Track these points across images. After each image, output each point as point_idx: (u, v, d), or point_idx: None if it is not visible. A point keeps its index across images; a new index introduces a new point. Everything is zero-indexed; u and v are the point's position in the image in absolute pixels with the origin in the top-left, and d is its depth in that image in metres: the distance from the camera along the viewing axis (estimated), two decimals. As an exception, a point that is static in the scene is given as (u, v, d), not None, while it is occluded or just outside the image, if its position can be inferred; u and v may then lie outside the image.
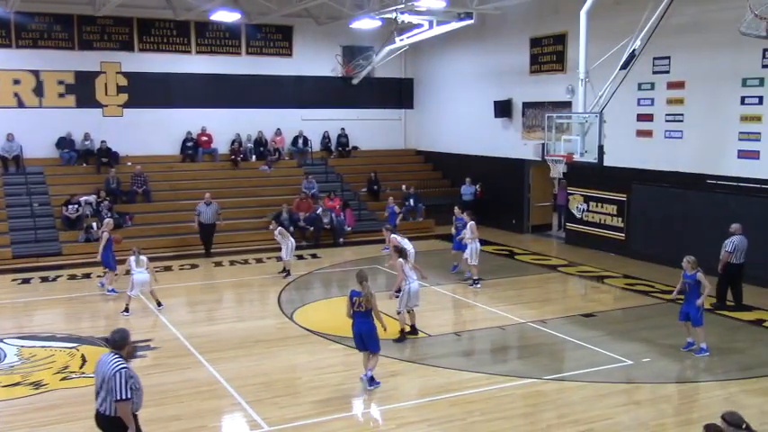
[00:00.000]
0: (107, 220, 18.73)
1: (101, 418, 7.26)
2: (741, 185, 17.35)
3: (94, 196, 22.61)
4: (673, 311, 15.21)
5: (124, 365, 7.15)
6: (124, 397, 7.06)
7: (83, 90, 24.70)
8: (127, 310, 15.37)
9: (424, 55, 28.66)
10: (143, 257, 15.61)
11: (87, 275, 18.94)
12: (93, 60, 24.79)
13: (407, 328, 13.46)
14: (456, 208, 18.83)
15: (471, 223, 17.44)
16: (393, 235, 16.85)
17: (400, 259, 13.34)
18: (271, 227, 19.15)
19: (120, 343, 7.34)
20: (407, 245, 15.39)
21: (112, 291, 17.01)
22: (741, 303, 15.42)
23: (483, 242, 22.95)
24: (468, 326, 14.37)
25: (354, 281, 11.02)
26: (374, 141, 29.34)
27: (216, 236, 22.01)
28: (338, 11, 24.03)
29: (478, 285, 17.26)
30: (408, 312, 13.56)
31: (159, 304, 15.63)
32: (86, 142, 24.64)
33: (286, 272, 18.50)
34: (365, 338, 10.86)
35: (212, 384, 11.13)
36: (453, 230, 18.76)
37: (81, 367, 12.03)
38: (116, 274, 17.14)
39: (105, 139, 24.65)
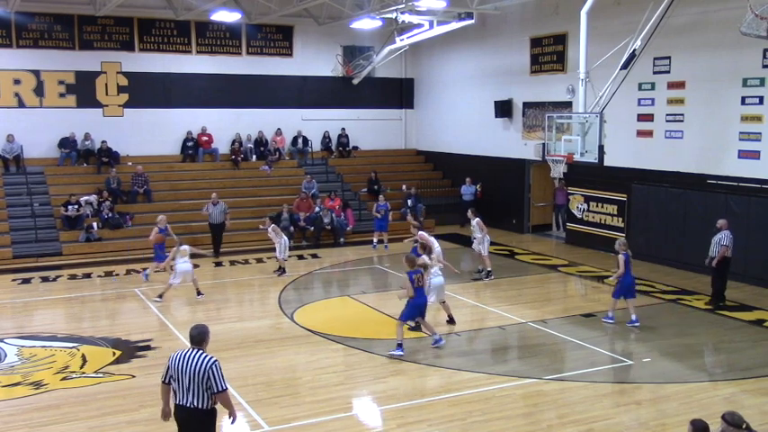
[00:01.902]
0: (161, 216, 18.89)
1: (189, 412, 7.33)
2: (741, 185, 17.34)
3: (95, 196, 22.63)
4: (674, 312, 15.27)
5: (216, 358, 7.39)
6: (225, 387, 7.36)
7: (83, 90, 24.71)
8: (161, 296, 16.11)
9: (425, 55, 28.67)
10: (185, 246, 16.28)
11: (88, 275, 18.95)
12: (94, 60, 24.81)
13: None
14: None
15: (477, 220, 18.08)
16: (421, 232, 16.78)
17: (424, 255, 13.99)
18: (262, 226, 19.13)
19: (200, 338, 7.51)
20: (434, 242, 15.81)
21: (146, 275, 18.08)
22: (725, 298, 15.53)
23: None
24: (469, 326, 14.35)
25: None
26: (374, 141, 29.35)
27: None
28: (338, 11, 24.05)
29: (492, 277, 17.95)
30: (442, 304, 14.27)
31: (199, 293, 16.33)
32: (87, 142, 24.65)
33: (281, 270, 18.53)
34: (423, 309, 12.68)
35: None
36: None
37: (81, 367, 12.04)
38: (158, 267, 17.98)
39: (106, 138, 24.67)
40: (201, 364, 7.25)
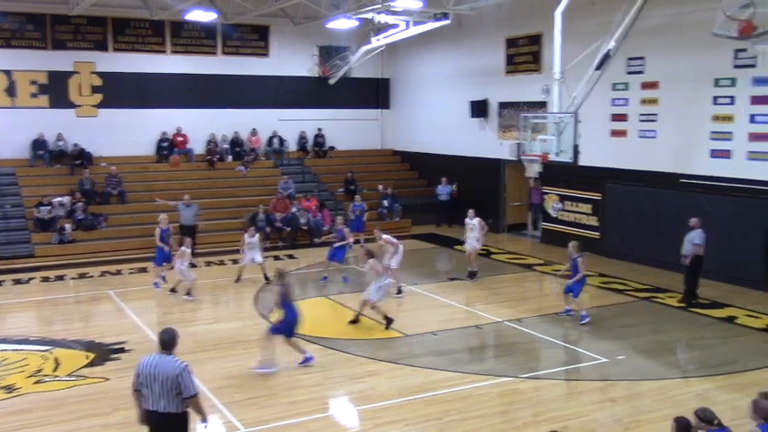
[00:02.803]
0: (163, 215, 18.63)
1: (160, 418, 7.26)
2: (713, 185, 17.56)
3: (68, 197, 22.38)
4: (647, 309, 15.44)
5: (186, 363, 7.30)
6: (195, 392, 7.29)
7: (56, 90, 24.44)
8: (189, 293, 16.50)
9: (401, 55, 28.70)
10: (187, 250, 16.55)
11: (61, 278, 18.75)
12: (67, 60, 24.54)
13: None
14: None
15: (479, 219, 18.03)
16: (385, 235, 16.87)
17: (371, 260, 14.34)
18: (249, 236, 18.17)
19: (170, 342, 7.43)
20: (399, 246, 16.57)
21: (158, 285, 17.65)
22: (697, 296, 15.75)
23: (458, 242, 23.16)
24: (445, 325, 14.38)
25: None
26: (351, 141, 29.34)
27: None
28: (315, 11, 24.00)
29: (478, 277, 18.07)
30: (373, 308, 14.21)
31: (189, 294, 16.40)
32: (60, 143, 24.39)
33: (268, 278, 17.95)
34: (294, 326, 12.30)
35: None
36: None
37: (54, 370, 11.90)
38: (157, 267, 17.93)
39: (79, 139, 24.43)
40: (171, 370, 7.16)
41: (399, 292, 16.48)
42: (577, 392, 10.91)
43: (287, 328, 11.83)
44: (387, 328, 13.79)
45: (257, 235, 18.43)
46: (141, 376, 7.29)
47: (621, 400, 10.63)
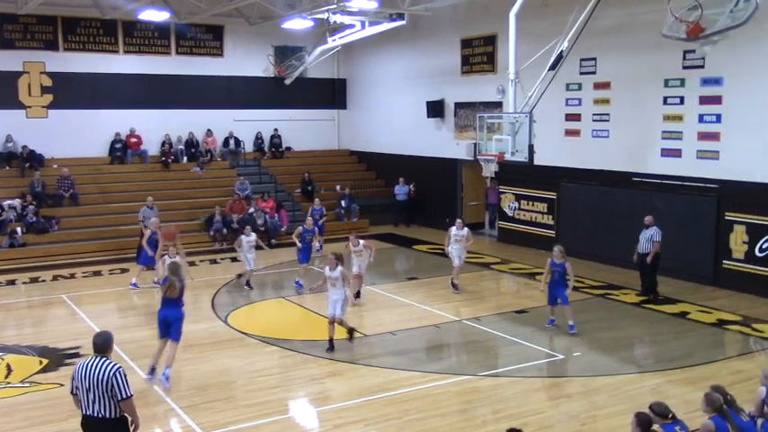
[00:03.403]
0: (153, 219, 18.37)
1: (97, 423, 7.10)
2: (665, 183, 17.92)
3: (19, 200, 21.90)
4: (602, 306, 15.68)
5: (119, 365, 7.16)
6: (130, 394, 7.13)
7: (5, 90, 23.87)
8: (249, 284, 17.18)
9: (357, 55, 28.70)
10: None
11: (12, 282, 18.33)
12: (16, 60, 24.00)
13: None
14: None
15: (467, 229, 17.10)
16: (362, 240, 16.21)
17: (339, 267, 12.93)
18: (245, 235, 17.53)
19: (104, 346, 7.28)
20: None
21: (135, 285, 17.48)
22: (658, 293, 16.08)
23: (417, 242, 23.29)
24: (404, 325, 14.43)
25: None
26: (307, 142, 29.25)
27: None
28: (270, 11, 23.85)
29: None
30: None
31: None
32: (9, 144, 23.84)
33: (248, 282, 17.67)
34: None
35: (145, 391, 10.88)
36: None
37: (6, 377, 11.64)
38: (142, 269, 17.77)
39: (30, 140, 23.88)
40: (105, 372, 7.04)
41: (358, 296, 16.02)
42: (535, 389, 11.05)
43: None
44: (350, 340, 12.96)
45: (254, 234, 17.79)
46: (77, 380, 7.18)
47: (578, 396, 10.79)
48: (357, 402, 10.51)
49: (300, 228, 17.70)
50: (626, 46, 18.55)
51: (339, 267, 12.70)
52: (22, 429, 9.74)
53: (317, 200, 22.87)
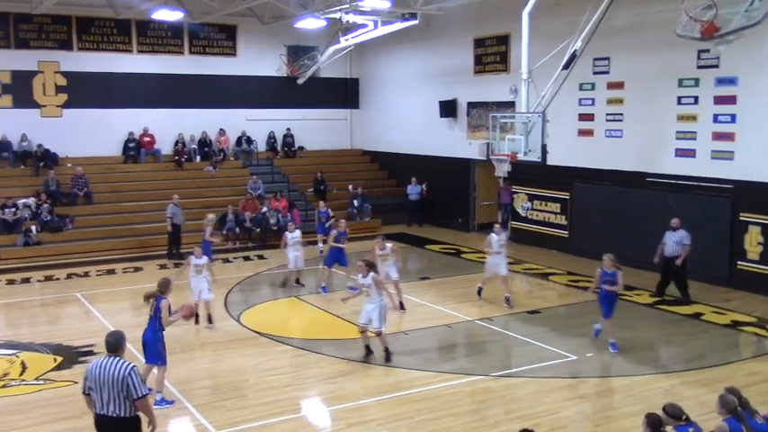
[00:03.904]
0: (211, 216, 18.70)
1: (110, 423, 7.12)
2: (678, 183, 17.82)
3: (33, 199, 22.04)
4: (616, 307, 15.54)
5: (133, 364, 7.18)
6: (144, 393, 7.14)
7: (20, 90, 24.04)
8: (298, 281, 17.20)
9: (370, 55, 28.70)
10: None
11: (26, 280, 18.45)
12: (31, 59, 24.15)
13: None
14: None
15: (505, 234, 16.19)
16: (389, 243, 15.57)
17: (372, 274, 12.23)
18: (289, 232, 17.39)
19: (117, 345, 7.30)
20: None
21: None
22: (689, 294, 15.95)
23: (429, 241, 23.27)
24: (416, 324, 14.42)
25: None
26: (320, 141, 29.28)
27: (159, 238, 21.73)
28: (283, 10, 23.88)
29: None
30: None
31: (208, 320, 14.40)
32: (24, 143, 24.00)
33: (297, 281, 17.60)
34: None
35: (158, 389, 10.93)
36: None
37: (21, 374, 11.72)
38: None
39: (44, 139, 24.06)
40: (119, 372, 7.04)
41: (402, 306, 15.22)
42: (548, 390, 11.00)
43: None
44: (387, 359, 12.08)
45: (298, 230, 17.55)
46: (89, 380, 7.18)
47: (591, 397, 10.75)
48: (369, 402, 10.51)
49: (334, 231, 17.31)
50: (640, 45, 18.46)
51: (371, 274, 11.96)
52: (36, 426, 9.80)
53: (321, 202, 22.59)
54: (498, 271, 15.51)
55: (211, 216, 18.62)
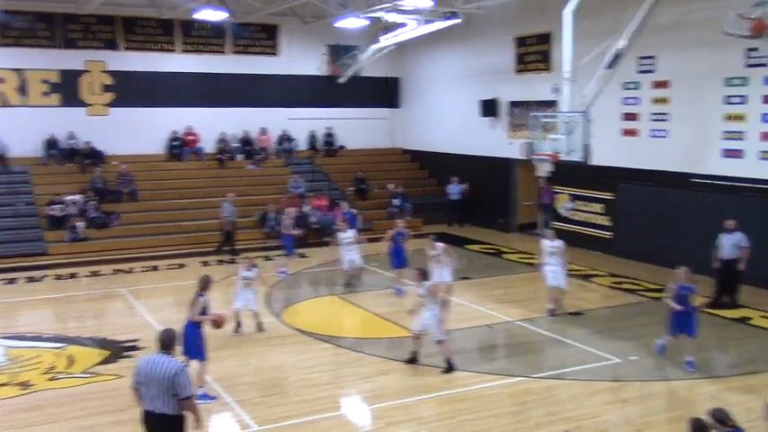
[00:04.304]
0: (290, 209, 19.40)
1: (157, 419, 7.23)
2: (725, 184, 17.48)
3: (80, 196, 22.49)
4: (660, 310, 15.31)
5: (183, 363, 7.31)
6: (191, 393, 7.25)
7: (67, 89, 24.56)
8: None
9: (411, 54, 28.69)
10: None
11: (73, 275, 18.84)
12: (78, 59, 24.65)
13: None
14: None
15: (562, 242, 14.97)
16: (440, 243, 15.15)
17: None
18: (342, 232, 17.35)
19: (169, 343, 7.43)
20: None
21: (286, 273, 18.42)
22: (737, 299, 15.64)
23: (470, 241, 23.18)
24: (456, 324, 14.33)
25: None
26: (360, 140, 29.35)
27: (202, 235, 22.05)
28: (324, 10, 24.02)
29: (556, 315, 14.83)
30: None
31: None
32: (71, 141, 24.50)
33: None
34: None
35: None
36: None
37: (68, 367, 11.97)
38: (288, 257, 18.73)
39: (90, 137, 24.55)
40: (168, 370, 7.13)
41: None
42: (590, 393, 10.88)
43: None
44: (447, 370, 11.59)
45: (352, 231, 17.50)
46: (139, 375, 7.29)
47: (634, 401, 10.61)
48: (409, 401, 10.51)
49: (392, 231, 16.93)
50: (686, 44, 18.15)
51: (425, 283, 11.72)
52: (82, 419, 10.00)
53: (345, 203, 22.44)
54: (559, 283, 14.72)
55: (291, 210, 19.03)
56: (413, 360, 11.92)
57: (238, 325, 13.56)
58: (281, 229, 18.97)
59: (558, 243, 14.75)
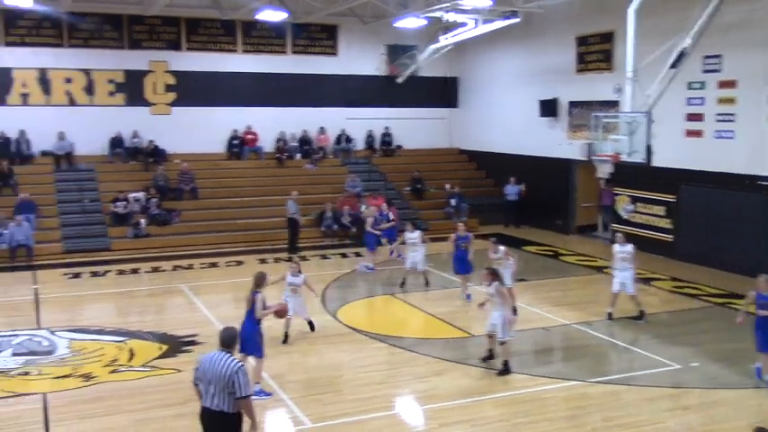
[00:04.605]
0: (371, 208, 20.15)
1: (214, 416, 7.31)
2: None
3: (143, 193, 23.02)
4: (722, 315, 14.92)
5: (242, 363, 7.33)
6: (248, 393, 7.28)
7: (132, 88, 25.18)
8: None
9: (469, 53, 28.53)
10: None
11: (135, 271, 19.28)
12: (142, 59, 25.24)
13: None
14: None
15: (632, 246, 14.63)
16: (502, 246, 14.97)
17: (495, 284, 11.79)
18: (408, 232, 17.36)
19: (230, 341, 7.48)
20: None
21: (372, 268, 18.92)
22: None
23: (527, 243, 22.92)
24: (513, 326, 14.21)
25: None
26: (418, 140, 29.32)
27: (260, 233, 22.33)
28: (383, 10, 24.08)
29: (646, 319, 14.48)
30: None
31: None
32: (135, 140, 25.09)
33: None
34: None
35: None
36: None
37: (129, 360, 12.26)
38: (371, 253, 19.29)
39: (153, 136, 25.10)
40: (227, 368, 7.17)
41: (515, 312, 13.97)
42: (648, 399, 10.64)
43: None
44: (501, 373, 11.53)
45: (418, 231, 17.38)
46: (199, 371, 7.37)
47: (695, 408, 10.34)
48: (463, 402, 10.45)
49: (453, 234, 16.49)
50: (754, 42, 17.59)
51: (494, 283, 11.65)
52: (141, 411, 10.22)
53: (383, 204, 22.36)
54: (625, 289, 14.37)
55: (372, 208, 19.37)
56: (488, 358, 11.93)
57: (286, 336, 13.09)
58: (365, 226, 19.70)
59: (629, 248, 14.41)
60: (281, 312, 11.35)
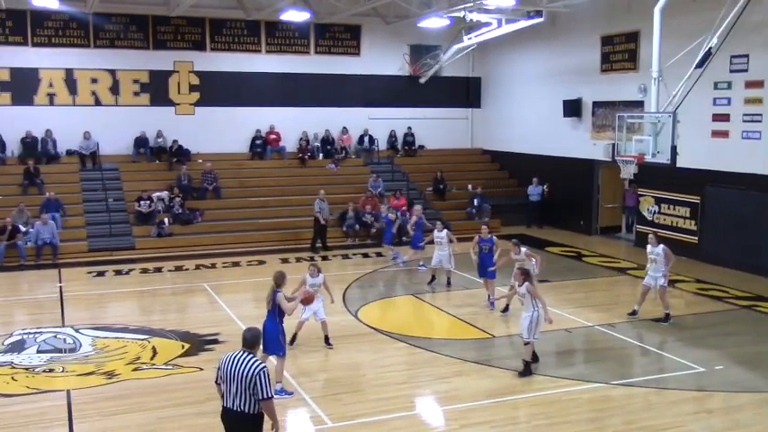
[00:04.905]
0: (417, 206, 20.41)
1: (235, 416, 7.31)
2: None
3: (167, 192, 23.19)
4: (748, 318, 14.74)
5: (264, 365, 7.29)
6: (270, 395, 7.24)
7: (156, 89, 25.37)
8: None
9: (492, 53, 28.42)
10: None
11: (159, 269, 19.42)
12: (167, 60, 25.42)
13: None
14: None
15: (663, 247, 14.44)
16: (524, 248, 14.75)
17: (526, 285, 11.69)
18: (437, 230, 17.35)
19: (253, 342, 7.46)
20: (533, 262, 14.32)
21: (403, 261, 19.47)
22: None
23: (549, 243, 22.79)
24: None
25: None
26: (440, 140, 29.26)
27: (283, 233, 22.39)
28: (406, 10, 24.06)
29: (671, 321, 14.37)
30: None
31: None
32: (159, 139, 25.29)
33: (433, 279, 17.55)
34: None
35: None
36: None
37: (152, 358, 12.35)
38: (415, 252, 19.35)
39: (177, 136, 25.27)
40: (250, 369, 7.15)
41: (507, 309, 14.85)
42: (672, 402, 10.53)
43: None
44: (522, 374, 11.50)
45: (446, 230, 17.30)
46: (222, 371, 7.37)
47: (719, 412, 10.22)
48: (484, 403, 10.41)
49: (476, 236, 15.99)
50: (782, 42, 17.38)
51: (526, 284, 11.56)
52: (164, 409, 10.29)
53: (384, 207, 22.17)
54: (650, 282, 14.39)
55: (418, 207, 19.75)
56: (534, 359, 11.85)
57: (294, 337, 12.74)
58: (408, 227, 19.84)
59: (659, 249, 14.26)
60: (307, 300, 11.48)
